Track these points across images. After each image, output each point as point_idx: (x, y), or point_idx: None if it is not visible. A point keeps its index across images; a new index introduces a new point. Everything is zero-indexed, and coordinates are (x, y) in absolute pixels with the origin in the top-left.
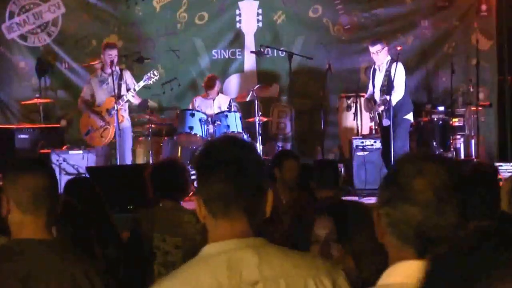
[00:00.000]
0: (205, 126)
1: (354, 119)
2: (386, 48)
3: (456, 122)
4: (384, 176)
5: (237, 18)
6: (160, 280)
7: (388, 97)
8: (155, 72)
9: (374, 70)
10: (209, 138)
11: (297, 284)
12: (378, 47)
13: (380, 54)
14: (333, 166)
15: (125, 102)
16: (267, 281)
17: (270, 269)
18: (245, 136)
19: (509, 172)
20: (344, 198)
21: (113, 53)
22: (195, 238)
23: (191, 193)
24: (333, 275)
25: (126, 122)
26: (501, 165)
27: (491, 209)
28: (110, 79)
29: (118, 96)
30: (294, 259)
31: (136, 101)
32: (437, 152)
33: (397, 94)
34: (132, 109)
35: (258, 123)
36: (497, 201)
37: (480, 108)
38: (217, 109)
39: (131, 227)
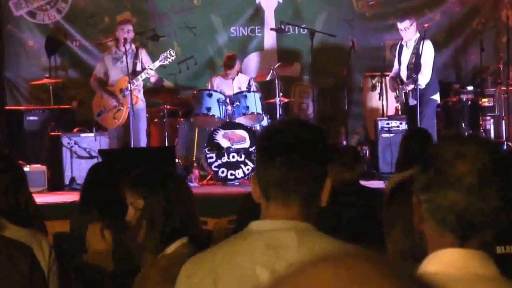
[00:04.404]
0: (223, 107)
1: (379, 99)
2: (415, 24)
3: (485, 102)
4: (421, 160)
5: None
6: (199, 254)
7: (416, 77)
8: (171, 52)
9: (401, 47)
10: (227, 120)
11: None
12: (406, 23)
13: (408, 31)
14: (351, 149)
15: (140, 82)
16: None
17: (309, 253)
18: (265, 118)
19: None
20: (367, 182)
21: (129, 29)
22: None
23: None
24: None
25: (141, 103)
26: None
27: None
28: (124, 57)
29: (133, 75)
30: (336, 246)
31: (153, 78)
32: (467, 134)
33: (425, 76)
34: (147, 89)
35: (279, 104)
36: None
37: (510, 88)
38: (236, 89)
39: None
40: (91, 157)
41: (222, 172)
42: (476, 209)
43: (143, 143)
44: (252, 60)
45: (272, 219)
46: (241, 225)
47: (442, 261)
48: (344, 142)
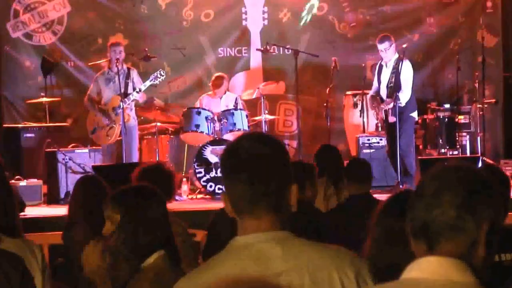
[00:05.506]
0: (212, 124)
1: (360, 116)
2: (394, 45)
3: (462, 119)
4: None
5: (243, 16)
6: (189, 273)
7: (397, 95)
8: (161, 72)
9: (381, 66)
10: (215, 136)
11: (321, 276)
12: (386, 44)
13: (388, 52)
14: (365, 163)
15: (131, 101)
16: (291, 272)
17: (294, 261)
18: None
19: None
20: None
21: (120, 50)
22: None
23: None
24: (356, 266)
25: (132, 121)
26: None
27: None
28: (117, 78)
29: (125, 95)
30: (318, 251)
31: (141, 99)
32: (442, 150)
33: (405, 94)
34: (138, 106)
35: (265, 121)
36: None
37: (485, 105)
38: (224, 107)
39: None
40: (85, 172)
41: (211, 186)
42: (433, 215)
43: (135, 158)
44: (239, 79)
45: (250, 233)
46: (213, 240)
47: (419, 268)
48: None
